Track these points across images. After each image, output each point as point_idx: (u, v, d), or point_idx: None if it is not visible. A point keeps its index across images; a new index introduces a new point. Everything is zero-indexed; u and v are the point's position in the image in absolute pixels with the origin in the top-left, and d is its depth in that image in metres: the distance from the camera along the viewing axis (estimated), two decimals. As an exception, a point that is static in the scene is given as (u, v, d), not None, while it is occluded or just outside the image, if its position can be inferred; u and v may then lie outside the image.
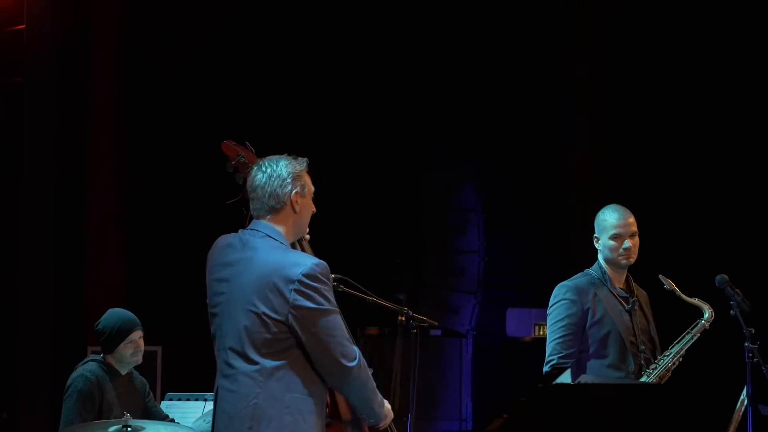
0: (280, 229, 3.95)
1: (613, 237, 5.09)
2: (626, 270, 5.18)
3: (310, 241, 4.26)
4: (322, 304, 3.80)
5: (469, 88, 8.88)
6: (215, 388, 3.96)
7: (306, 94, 8.64)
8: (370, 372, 3.94)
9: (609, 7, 8.58)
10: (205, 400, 5.86)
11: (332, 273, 4.32)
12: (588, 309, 5.03)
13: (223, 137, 4.35)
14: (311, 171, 4.09)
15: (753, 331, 5.12)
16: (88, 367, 5.48)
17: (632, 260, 5.13)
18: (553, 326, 5.09)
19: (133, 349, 5.53)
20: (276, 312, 3.79)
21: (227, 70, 8.49)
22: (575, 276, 5.19)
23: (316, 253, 4.16)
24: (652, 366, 4.98)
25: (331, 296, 3.85)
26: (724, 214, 7.88)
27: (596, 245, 5.18)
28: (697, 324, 5.09)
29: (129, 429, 4.80)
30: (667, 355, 5.01)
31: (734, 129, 7.95)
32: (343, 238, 8.06)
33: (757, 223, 7.75)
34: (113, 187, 8.30)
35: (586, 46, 8.72)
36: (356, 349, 3.88)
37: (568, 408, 2.96)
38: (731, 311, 5.16)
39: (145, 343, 5.66)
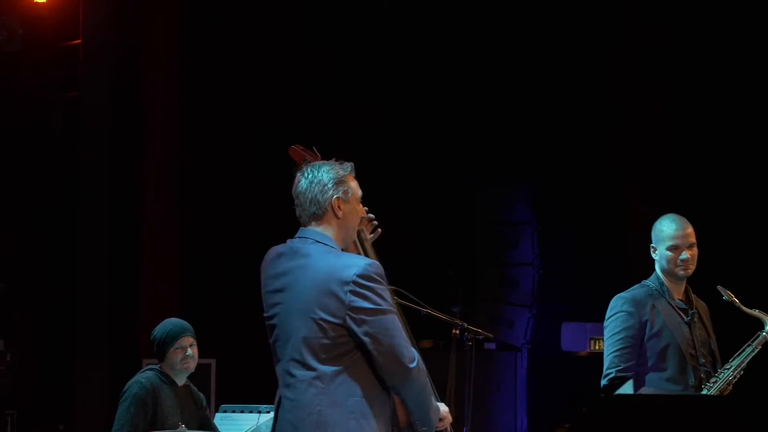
0: (329, 233, 3.91)
1: (671, 248, 5.01)
2: (685, 281, 5.09)
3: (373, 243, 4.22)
4: (379, 304, 3.73)
5: (522, 100, 8.85)
6: (277, 399, 3.91)
7: (365, 104, 8.66)
8: (428, 377, 3.88)
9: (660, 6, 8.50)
10: (259, 412, 5.85)
11: (392, 286, 4.29)
12: (646, 321, 4.95)
13: (282, 146, 4.31)
14: (361, 176, 4.01)
15: (812, 343, 5.04)
16: (145, 375, 5.53)
17: (690, 272, 5.04)
18: (610, 339, 5.01)
19: (182, 355, 5.54)
20: (333, 316, 3.74)
21: (280, 78, 8.52)
22: (633, 287, 5.11)
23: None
24: (713, 379, 4.89)
25: (387, 296, 3.78)
26: None
27: (653, 255, 5.10)
28: (758, 336, 4.97)
29: (184, 440, 4.80)
30: (728, 369, 4.92)
31: None
32: (398, 251, 7.99)
33: None
34: (168, 198, 8.35)
35: (639, 49, 8.64)
36: (415, 352, 3.82)
37: (629, 419, 2.90)
38: None
39: (200, 356, 5.68)
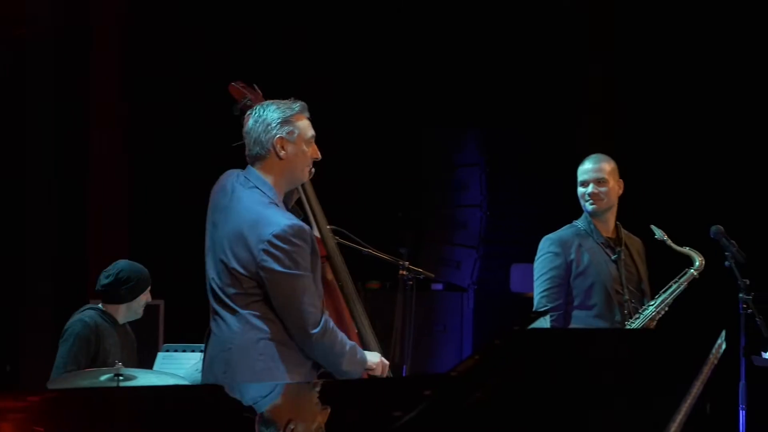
0: (269, 179, 3.84)
1: (581, 183, 5.13)
2: (613, 218, 5.15)
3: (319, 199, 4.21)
4: (289, 268, 3.69)
5: (473, 38, 8.84)
6: (206, 331, 3.96)
7: (314, 50, 8.64)
8: (338, 335, 3.83)
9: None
10: (202, 351, 5.92)
11: (332, 226, 4.31)
12: (572, 261, 5.04)
13: (229, 80, 4.24)
14: (312, 121, 3.95)
15: (747, 283, 5.13)
16: (88, 314, 5.53)
17: (598, 206, 5.08)
18: (538, 279, 5.12)
19: (145, 302, 5.62)
20: (245, 268, 3.73)
21: (230, 19, 8.49)
22: (561, 228, 5.20)
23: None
24: (636, 315, 4.97)
25: (302, 260, 3.71)
26: (722, 167, 7.85)
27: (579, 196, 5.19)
28: (686, 273, 5.06)
29: (120, 378, 4.84)
30: (652, 305, 4.99)
31: (738, 85, 7.90)
32: (348, 193, 8.06)
33: (753, 176, 7.71)
34: (116, 134, 8.28)
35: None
36: (323, 316, 3.77)
37: (540, 353, 2.98)
38: (726, 262, 5.17)
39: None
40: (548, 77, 8.76)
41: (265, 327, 3.75)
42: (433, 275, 5.75)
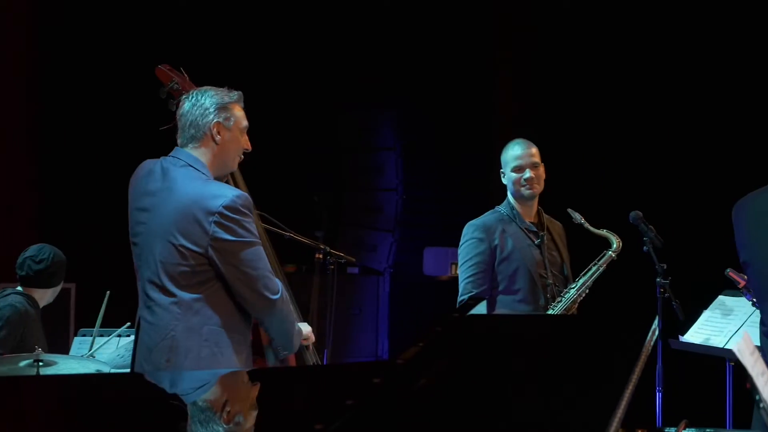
0: (203, 159, 3.85)
1: (515, 169, 5.12)
2: (535, 204, 5.18)
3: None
4: (244, 236, 3.71)
5: (388, 25, 8.86)
6: (137, 320, 3.89)
7: (231, 31, 8.57)
8: (291, 305, 3.90)
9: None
10: (119, 336, 5.86)
11: (257, 210, 4.29)
12: (496, 246, 5.06)
13: (149, 62, 4.22)
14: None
15: (665, 267, 5.22)
16: (16, 299, 5.46)
17: (535, 191, 5.13)
18: (463, 265, 5.11)
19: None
20: (195, 244, 3.71)
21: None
22: (484, 214, 5.21)
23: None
24: (558, 299, 5.02)
25: (253, 228, 3.76)
26: (639, 152, 7.97)
27: (503, 180, 5.20)
28: (604, 255, 5.12)
29: (41, 364, 4.77)
30: (573, 288, 5.04)
31: (658, 66, 8.01)
32: (264, 176, 7.99)
33: (670, 161, 7.86)
34: (21, 117, 8.10)
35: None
36: (279, 282, 3.82)
37: (480, 338, 2.99)
38: (644, 247, 5.25)
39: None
40: (463, 61, 8.82)
41: (209, 312, 3.73)
42: (354, 259, 5.76)
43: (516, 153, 5.14)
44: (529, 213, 5.19)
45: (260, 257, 3.76)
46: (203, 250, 3.71)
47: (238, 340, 3.79)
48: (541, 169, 5.15)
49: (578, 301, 5.04)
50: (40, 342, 5.38)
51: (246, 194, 3.79)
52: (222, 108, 3.88)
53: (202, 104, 3.87)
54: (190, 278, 3.73)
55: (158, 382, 3.24)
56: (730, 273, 4.87)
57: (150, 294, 3.80)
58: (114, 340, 5.84)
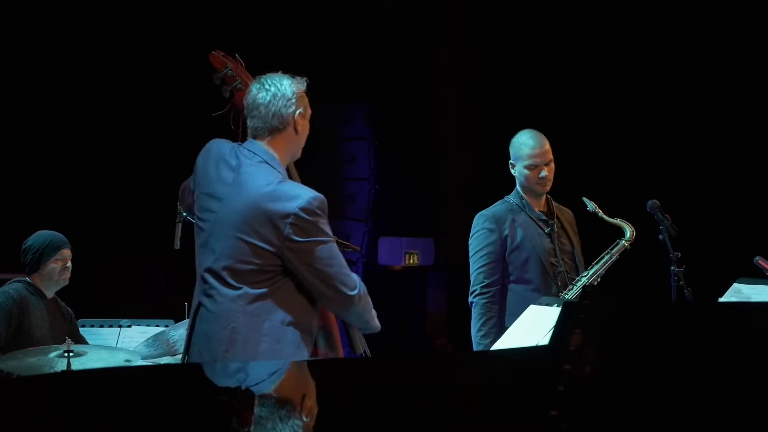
0: (277, 153, 3.82)
1: (529, 167, 5.13)
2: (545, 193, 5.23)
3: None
4: (319, 236, 3.71)
5: (360, 11, 8.88)
6: (195, 306, 3.86)
7: (210, 24, 8.53)
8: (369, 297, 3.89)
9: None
10: (120, 326, 5.87)
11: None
12: (506, 236, 5.10)
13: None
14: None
15: (679, 255, 5.27)
16: (12, 286, 5.46)
17: (548, 188, 5.18)
18: (474, 256, 5.15)
19: (61, 266, 5.52)
20: (268, 243, 3.69)
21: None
22: (494, 204, 5.24)
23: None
24: (569, 287, 5.06)
25: (327, 228, 3.76)
26: (656, 140, 8.01)
27: (512, 171, 5.22)
28: (618, 244, 5.17)
29: (71, 354, 4.76)
30: (585, 276, 5.08)
31: (674, 56, 8.02)
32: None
33: (687, 150, 7.91)
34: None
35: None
36: (356, 277, 3.82)
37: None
38: (660, 236, 5.27)
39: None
40: (436, 50, 8.91)
41: (271, 308, 3.73)
42: (358, 248, 5.80)
43: (530, 150, 5.14)
44: (539, 202, 5.23)
45: (335, 255, 3.77)
46: (277, 251, 3.71)
47: (302, 338, 3.77)
48: (553, 165, 5.18)
49: (589, 288, 5.08)
50: (42, 330, 5.37)
51: (321, 196, 3.78)
52: (300, 97, 3.88)
53: (284, 94, 3.84)
54: (258, 275, 3.73)
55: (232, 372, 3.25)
56: (760, 261, 4.92)
57: (214, 283, 3.78)
58: (114, 331, 5.86)
